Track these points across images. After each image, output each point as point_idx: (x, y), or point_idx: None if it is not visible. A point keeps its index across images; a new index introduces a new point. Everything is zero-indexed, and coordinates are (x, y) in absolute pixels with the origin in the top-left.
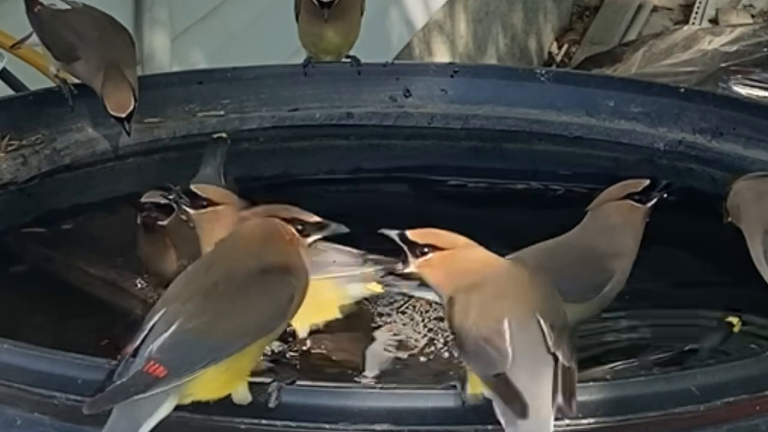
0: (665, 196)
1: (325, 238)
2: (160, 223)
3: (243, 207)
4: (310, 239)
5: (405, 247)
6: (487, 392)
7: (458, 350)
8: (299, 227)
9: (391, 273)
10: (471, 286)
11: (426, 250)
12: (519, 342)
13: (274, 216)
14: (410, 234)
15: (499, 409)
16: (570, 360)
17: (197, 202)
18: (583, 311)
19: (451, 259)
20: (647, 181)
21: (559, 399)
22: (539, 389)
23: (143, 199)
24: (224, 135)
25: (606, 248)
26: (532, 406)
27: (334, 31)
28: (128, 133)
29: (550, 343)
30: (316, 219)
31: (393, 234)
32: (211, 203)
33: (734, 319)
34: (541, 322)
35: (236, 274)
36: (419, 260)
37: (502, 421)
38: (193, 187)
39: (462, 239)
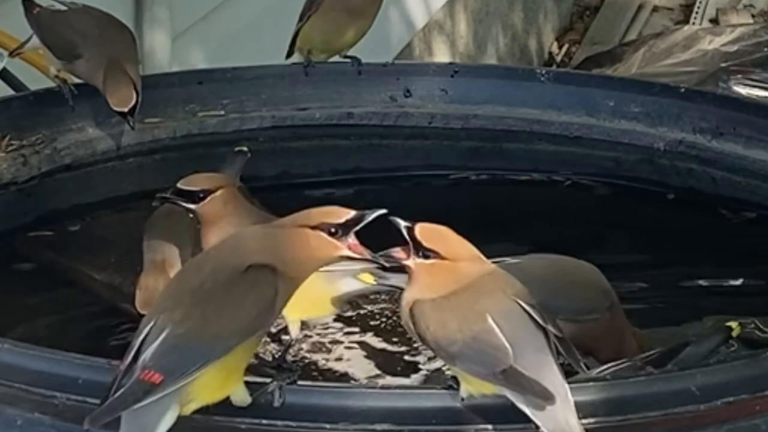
0: None
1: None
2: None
3: (238, 187)
4: (348, 238)
5: (410, 242)
6: (494, 390)
7: (445, 357)
8: (331, 231)
9: (389, 257)
10: (438, 294)
11: (429, 254)
12: (510, 331)
13: (302, 226)
14: (418, 232)
15: (519, 401)
16: (559, 330)
17: (194, 196)
18: (579, 332)
19: (449, 271)
20: None
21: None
22: (547, 368)
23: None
24: (245, 149)
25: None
26: (549, 386)
27: (355, 30)
28: (132, 128)
29: (538, 319)
30: (347, 216)
31: (401, 225)
32: (208, 192)
33: (734, 323)
34: (521, 304)
35: (222, 274)
36: (420, 261)
37: (527, 411)
38: (180, 184)
39: (468, 251)
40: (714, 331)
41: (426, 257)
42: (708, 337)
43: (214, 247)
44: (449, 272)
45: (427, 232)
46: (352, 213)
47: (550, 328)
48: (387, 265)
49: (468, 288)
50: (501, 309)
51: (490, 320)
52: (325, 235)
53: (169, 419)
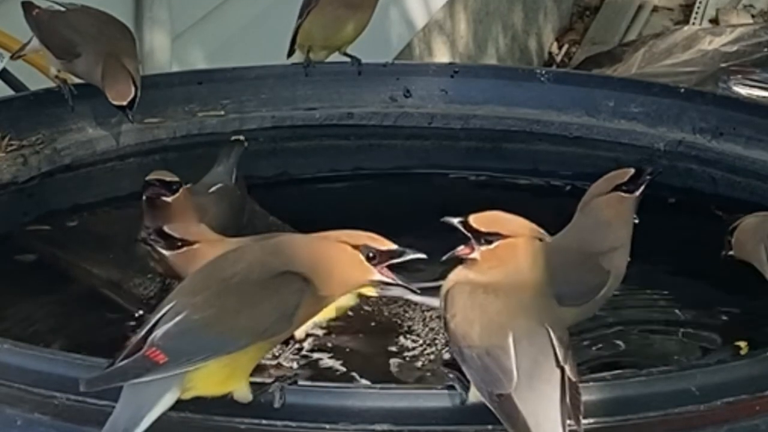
0: (649, 179)
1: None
2: (164, 198)
3: (218, 242)
4: (380, 267)
5: (470, 236)
6: (492, 409)
7: (455, 354)
8: (369, 254)
9: (457, 258)
10: (479, 287)
11: (491, 238)
12: (525, 358)
13: (343, 242)
14: (473, 221)
15: (508, 428)
16: (576, 374)
17: (172, 242)
18: (580, 314)
19: (514, 248)
20: (632, 170)
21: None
22: (546, 409)
23: (148, 177)
24: (242, 138)
25: (601, 246)
26: (540, 428)
27: (354, 25)
28: (131, 121)
29: (559, 356)
30: (389, 246)
31: (455, 222)
32: (186, 243)
33: (742, 343)
34: (551, 335)
35: (255, 272)
36: (484, 249)
37: None
38: (166, 228)
39: (527, 226)
40: (722, 350)
41: (489, 242)
42: (716, 355)
43: (262, 243)
44: (514, 249)
45: (481, 219)
46: (394, 246)
47: (567, 369)
48: (418, 292)
49: (510, 290)
50: (526, 331)
51: (510, 340)
52: (361, 256)
53: (167, 401)
